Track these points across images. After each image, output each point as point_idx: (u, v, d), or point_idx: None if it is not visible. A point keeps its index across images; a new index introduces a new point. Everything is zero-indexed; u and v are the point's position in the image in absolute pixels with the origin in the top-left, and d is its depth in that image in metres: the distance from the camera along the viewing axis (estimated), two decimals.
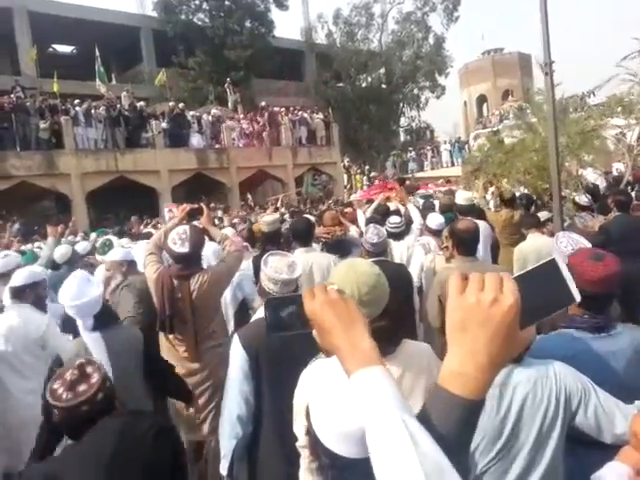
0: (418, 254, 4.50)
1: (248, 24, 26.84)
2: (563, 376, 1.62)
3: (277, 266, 2.28)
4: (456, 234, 3.06)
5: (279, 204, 9.70)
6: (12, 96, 13.95)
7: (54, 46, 28.25)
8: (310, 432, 1.08)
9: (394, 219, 4.81)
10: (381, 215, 5.54)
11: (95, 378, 1.64)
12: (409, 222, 5.13)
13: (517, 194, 6.19)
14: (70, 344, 2.94)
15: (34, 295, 3.18)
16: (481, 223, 4.65)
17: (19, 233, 8.39)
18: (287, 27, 45.66)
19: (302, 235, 3.84)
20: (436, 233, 4.57)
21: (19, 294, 3.09)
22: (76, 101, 15.02)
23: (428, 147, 27.06)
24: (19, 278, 3.12)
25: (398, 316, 1.50)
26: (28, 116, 13.87)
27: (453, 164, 23.95)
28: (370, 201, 8.60)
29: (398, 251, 4.69)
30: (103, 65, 17.84)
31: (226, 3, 26.81)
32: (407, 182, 11.65)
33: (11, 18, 21.87)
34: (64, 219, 13.15)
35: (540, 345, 1.73)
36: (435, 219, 4.87)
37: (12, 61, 23.07)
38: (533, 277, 0.71)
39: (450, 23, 31.73)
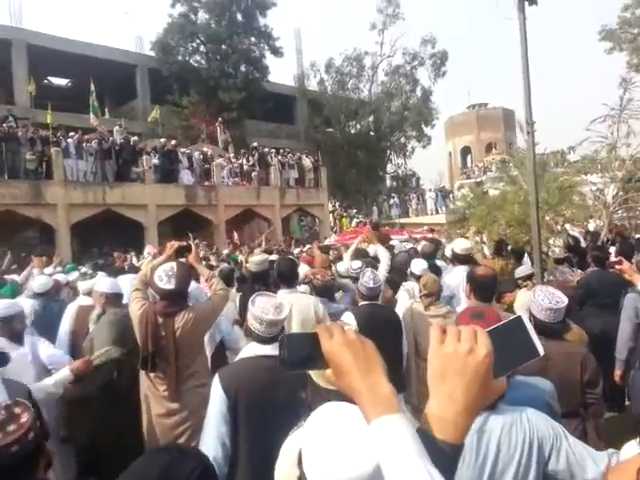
0: (402, 299, 4.57)
1: (243, 68, 27.67)
2: (535, 421, 1.64)
3: (264, 306, 2.28)
4: (475, 280, 3.10)
5: (263, 241, 9.65)
6: (4, 125, 14.03)
7: (49, 78, 28.68)
8: None
9: (355, 264, 4.85)
10: (360, 258, 5.60)
11: (25, 418, 1.63)
12: (374, 265, 5.11)
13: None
14: (48, 381, 2.90)
15: (9, 329, 3.15)
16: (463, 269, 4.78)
17: (9, 264, 8.22)
18: (281, 72, 47.25)
19: (286, 276, 3.87)
20: (419, 278, 4.56)
21: None
22: (70, 133, 15.14)
23: (413, 194, 27.67)
24: None
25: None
26: (19, 145, 13.92)
27: (437, 212, 24.43)
28: (329, 247, 8.82)
29: None
30: (97, 99, 18.11)
31: (223, 47, 27.68)
32: (381, 228, 11.71)
33: (9, 49, 22.29)
34: (47, 250, 13.03)
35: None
36: (419, 264, 4.91)
37: (6, 91, 23.32)
38: (503, 332, 0.78)
39: (437, 77, 33.07)
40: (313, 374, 1.46)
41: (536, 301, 2.60)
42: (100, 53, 24.51)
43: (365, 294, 3.75)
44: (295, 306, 3.57)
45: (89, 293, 4.24)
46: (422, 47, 32.55)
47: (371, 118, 32.66)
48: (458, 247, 5.10)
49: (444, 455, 0.71)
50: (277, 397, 2.16)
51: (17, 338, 3.20)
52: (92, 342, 3.34)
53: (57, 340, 4.06)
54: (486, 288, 3.08)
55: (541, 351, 0.76)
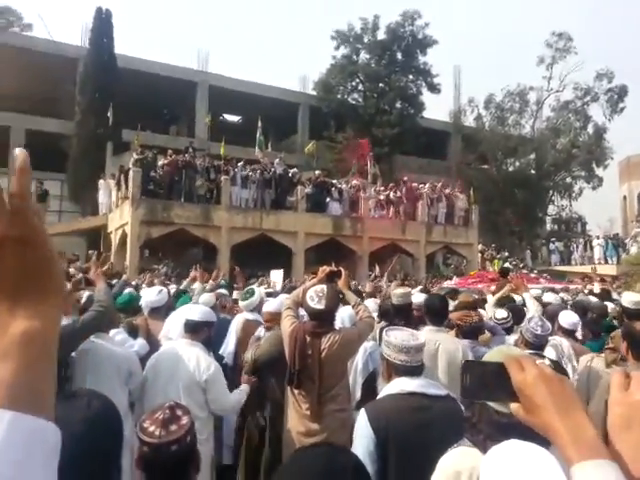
0: (549, 356, 4.01)
1: (398, 105, 28.11)
2: None
3: (402, 336, 2.26)
4: (634, 336, 2.78)
5: (391, 265, 9.27)
6: (186, 155, 15.99)
7: (224, 115, 32.35)
8: None
9: (500, 314, 4.50)
10: (502, 306, 5.12)
11: (185, 420, 1.71)
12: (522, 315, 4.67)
13: None
14: (234, 397, 3.01)
15: (206, 335, 3.22)
16: None
17: (164, 275, 9.22)
18: (437, 109, 46.96)
19: (436, 312, 3.64)
20: (569, 333, 4.27)
21: (195, 329, 3.12)
22: (239, 164, 16.69)
23: (580, 240, 24.90)
24: (196, 314, 3.17)
25: None
26: (195, 173, 15.72)
27: (607, 262, 21.64)
28: (455, 290, 8.17)
29: None
30: (262, 134, 19.78)
31: (380, 85, 28.52)
32: (509, 275, 10.42)
33: (195, 90, 25.73)
34: (209, 267, 14.33)
35: None
36: (569, 317, 4.41)
37: (189, 125, 26.85)
38: None
39: (613, 114, 29.90)
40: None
41: None
42: (268, 92, 27.02)
43: (530, 341, 3.36)
44: (442, 345, 3.37)
45: (252, 309, 4.42)
46: (596, 81, 29.89)
47: (533, 155, 30.60)
48: (626, 301, 4.55)
49: None
50: (428, 439, 2.02)
51: (209, 346, 3.27)
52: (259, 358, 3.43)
53: (224, 349, 4.25)
54: None
55: None
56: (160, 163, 15.50)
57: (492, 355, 1.64)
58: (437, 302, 3.80)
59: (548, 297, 5.60)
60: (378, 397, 2.27)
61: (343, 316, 3.84)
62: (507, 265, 19.91)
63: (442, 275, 17.87)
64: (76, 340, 2.77)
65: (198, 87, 25.87)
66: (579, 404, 0.73)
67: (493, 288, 7.82)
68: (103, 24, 22.91)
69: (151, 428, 1.65)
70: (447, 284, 11.77)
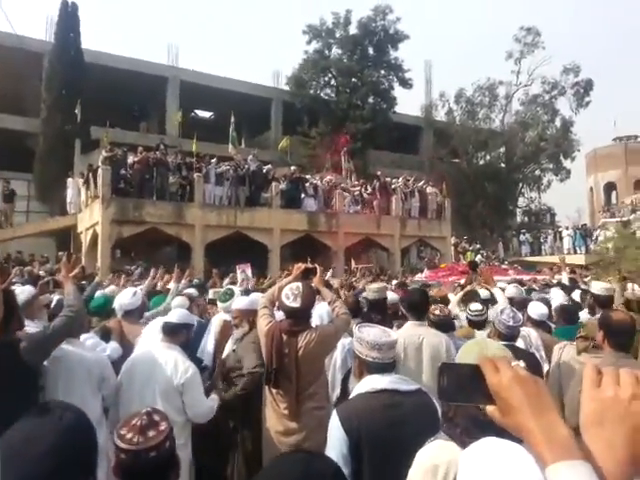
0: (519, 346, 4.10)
1: (371, 100, 28.23)
2: None
3: (374, 332, 2.23)
4: (610, 325, 2.79)
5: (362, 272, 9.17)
6: (157, 152, 15.71)
7: (196, 111, 31.90)
8: None
9: (475, 306, 4.47)
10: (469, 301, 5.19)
11: (163, 426, 1.67)
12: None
13: None
14: (208, 403, 2.97)
15: (185, 337, 3.19)
16: None
17: (137, 276, 9.07)
18: (408, 104, 47.30)
19: (417, 307, 3.66)
20: (539, 324, 4.36)
21: (173, 332, 3.10)
22: (212, 160, 16.50)
23: (550, 231, 25.50)
24: (175, 316, 3.14)
25: None
26: (167, 170, 15.46)
27: (575, 252, 22.24)
28: (427, 285, 8.26)
29: None
30: (236, 130, 19.58)
31: (353, 80, 28.57)
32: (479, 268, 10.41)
33: (165, 86, 25.29)
34: (183, 265, 14.14)
35: None
36: (537, 308, 4.48)
37: (160, 121, 26.38)
38: None
39: (580, 107, 30.67)
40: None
41: None
42: (241, 87, 26.76)
43: (503, 333, 3.40)
44: (426, 339, 3.40)
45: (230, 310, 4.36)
46: (563, 76, 30.61)
47: (502, 149, 31.19)
48: (596, 288, 4.65)
49: None
50: (402, 435, 2.01)
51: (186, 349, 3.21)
52: (241, 361, 3.41)
53: (202, 350, 4.20)
54: (623, 335, 2.77)
55: None
56: (130, 161, 15.18)
57: (468, 347, 1.64)
58: (418, 296, 3.83)
59: (510, 291, 5.66)
60: (350, 397, 2.24)
61: (321, 313, 3.81)
62: (479, 257, 20.28)
63: (415, 268, 18.06)
64: (48, 347, 2.70)
65: (169, 83, 25.43)
66: (552, 405, 0.74)
67: (462, 281, 7.94)
68: (69, 18, 22.22)
69: (129, 435, 1.62)
70: (418, 277, 11.86)
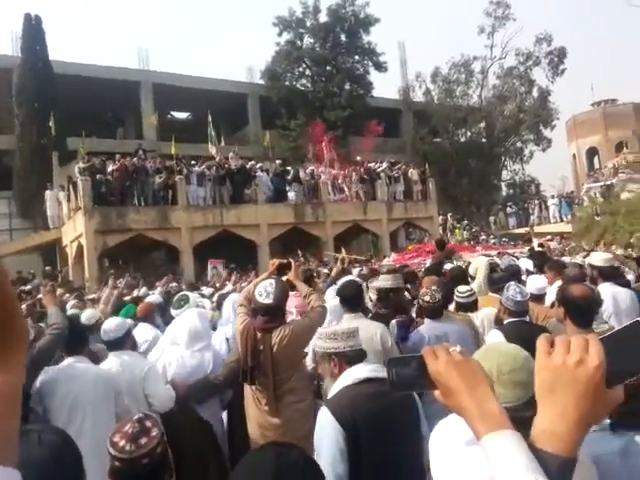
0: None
1: (347, 87, 28.08)
2: None
3: (340, 325, 2.40)
4: (570, 301, 2.63)
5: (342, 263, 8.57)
6: (135, 159, 15.57)
7: (172, 113, 31.59)
8: None
9: (462, 288, 4.24)
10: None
11: (155, 432, 1.71)
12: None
13: None
14: (169, 392, 3.04)
15: (132, 342, 3.35)
16: (623, 291, 4.09)
17: (124, 286, 8.95)
18: (385, 86, 47.15)
19: (350, 300, 3.58)
20: (537, 299, 4.09)
21: (118, 345, 3.20)
22: (192, 162, 16.38)
23: (535, 201, 25.65)
24: (109, 333, 3.21)
25: None
26: (147, 176, 15.35)
27: (562, 220, 22.42)
28: (405, 266, 7.88)
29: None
30: (214, 128, 19.43)
31: (327, 68, 28.41)
32: (448, 245, 9.95)
33: (138, 90, 25.00)
34: (173, 269, 14.12)
35: None
36: (536, 282, 4.26)
37: (137, 127, 26.12)
38: (619, 339, 0.74)
39: (555, 76, 30.75)
40: None
41: None
42: (215, 85, 26.51)
43: (513, 309, 3.31)
44: (361, 332, 3.34)
45: None
46: (537, 46, 30.63)
47: (482, 124, 31.23)
48: (596, 260, 4.35)
49: (558, 469, 0.70)
50: (396, 423, 2.04)
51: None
52: None
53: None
54: (584, 311, 2.61)
55: None
56: (109, 169, 15.05)
57: (480, 355, 1.41)
58: (350, 289, 3.70)
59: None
60: (334, 392, 2.17)
61: (291, 308, 3.76)
62: (467, 233, 20.37)
63: (377, 253, 17.48)
64: (36, 369, 2.73)
65: (141, 86, 25.12)
66: (485, 383, 0.80)
67: (429, 262, 7.81)
68: (34, 31, 21.87)
69: (121, 443, 1.66)
70: (386, 261, 11.57)
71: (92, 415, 2.72)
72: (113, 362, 3.11)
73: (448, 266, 5.79)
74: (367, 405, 2.03)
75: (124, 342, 3.21)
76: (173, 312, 4.17)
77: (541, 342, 0.78)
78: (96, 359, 3.23)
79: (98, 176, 14.52)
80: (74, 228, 15.33)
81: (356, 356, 2.22)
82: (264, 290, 2.95)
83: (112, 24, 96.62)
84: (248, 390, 3.05)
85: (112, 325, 3.26)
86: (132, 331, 3.47)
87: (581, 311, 2.60)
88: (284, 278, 3.62)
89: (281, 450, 1.19)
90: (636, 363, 0.73)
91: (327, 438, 1.98)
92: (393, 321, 3.82)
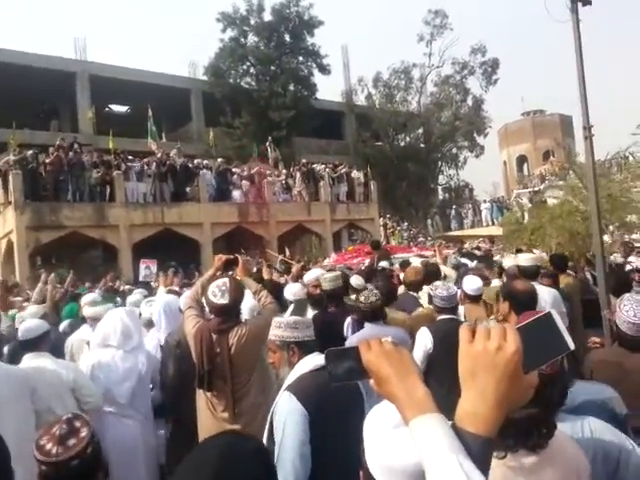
0: None
1: (292, 87, 28.17)
2: (599, 431, 1.49)
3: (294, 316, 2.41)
4: (514, 296, 2.77)
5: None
6: (70, 153, 14.92)
7: (110, 106, 30.36)
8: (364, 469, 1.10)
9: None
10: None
11: (84, 432, 1.63)
12: None
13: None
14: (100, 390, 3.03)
15: (50, 342, 3.25)
16: (548, 290, 4.16)
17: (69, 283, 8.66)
18: (329, 89, 47.69)
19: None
20: (474, 299, 4.08)
21: (36, 345, 3.11)
22: (129, 157, 15.89)
23: (469, 205, 26.98)
24: (28, 332, 3.13)
25: (552, 403, 1.33)
26: (83, 170, 14.76)
27: (493, 223, 23.73)
28: (349, 268, 7.95)
29: None
30: (155, 124, 18.91)
31: (272, 68, 28.36)
32: (383, 247, 10.30)
33: (74, 81, 23.86)
34: (110, 268, 13.66)
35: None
36: (473, 282, 4.22)
37: (72, 120, 24.93)
38: (533, 328, 0.81)
39: (489, 85, 32.37)
40: None
41: (620, 311, 2.41)
42: (156, 79, 25.71)
43: (441, 306, 3.42)
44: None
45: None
46: (472, 56, 32.07)
47: (421, 130, 32.32)
48: (522, 260, 4.59)
49: (478, 448, 0.76)
50: (349, 407, 2.12)
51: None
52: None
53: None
54: (528, 305, 2.72)
55: (571, 345, 0.79)
56: (42, 162, 14.34)
57: None
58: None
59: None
60: (292, 379, 2.21)
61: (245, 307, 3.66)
62: (404, 235, 21.10)
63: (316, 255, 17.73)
64: None
65: (77, 77, 23.94)
66: (414, 371, 0.85)
67: (367, 262, 8.12)
68: None
69: (48, 446, 1.57)
70: (327, 262, 11.64)
71: (8, 414, 2.61)
72: (29, 362, 3.02)
73: (384, 264, 6.14)
74: (329, 390, 2.08)
75: (40, 343, 3.10)
76: (88, 310, 4.11)
77: (463, 331, 0.82)
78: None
79: (30, 166, 13.79)
80: (4, 224, 14.51)
81: (312, 345, 2.30)
82: (218, 290, 2.85)
83: (47, 10, 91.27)
84: (202, 398, 2.91)
85: (31, 325, 3.17)
86: (50, 334, 3.33)
87: (525, 305, 2.68)
88: (230, 274, 3.60)
89: (233, 438, 1.17)
90: (549, 351, 0.81)
91: (292, 422, 2.03)
92: (348, 319, 3.84)
